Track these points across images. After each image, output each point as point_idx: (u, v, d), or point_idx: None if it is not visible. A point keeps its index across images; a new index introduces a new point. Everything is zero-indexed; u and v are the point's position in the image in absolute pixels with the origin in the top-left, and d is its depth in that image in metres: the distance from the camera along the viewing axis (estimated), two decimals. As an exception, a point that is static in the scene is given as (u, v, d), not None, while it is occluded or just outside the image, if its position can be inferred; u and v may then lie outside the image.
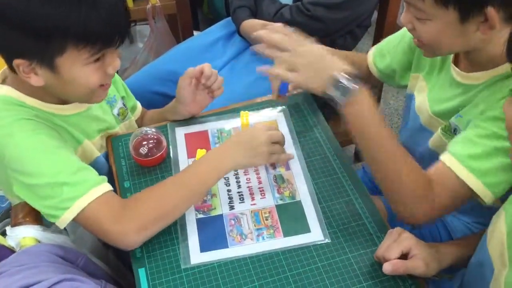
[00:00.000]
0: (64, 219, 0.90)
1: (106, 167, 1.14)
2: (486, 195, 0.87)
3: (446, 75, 1.02)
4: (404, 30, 1.14)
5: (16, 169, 0.91)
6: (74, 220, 0.90)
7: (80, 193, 0.89)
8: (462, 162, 0.88)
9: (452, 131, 0.99)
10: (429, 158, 1.00)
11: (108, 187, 0.93)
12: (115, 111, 1.20)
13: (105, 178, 0.95)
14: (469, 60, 0.96)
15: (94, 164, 1.09)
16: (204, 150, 1.09)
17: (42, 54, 0.87)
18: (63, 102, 1.02)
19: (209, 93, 1.18)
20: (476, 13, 0.83)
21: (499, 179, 0.86)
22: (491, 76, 0.92)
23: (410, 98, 1.16)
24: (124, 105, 1.22)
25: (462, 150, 0.89)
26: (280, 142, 1.05)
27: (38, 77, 0.90)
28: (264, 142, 1.00)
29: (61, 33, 0.84)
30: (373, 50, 1.25)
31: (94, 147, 1.11)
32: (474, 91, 0.95)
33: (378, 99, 1.90)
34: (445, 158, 0.90)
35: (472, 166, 0.87)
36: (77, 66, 0.89)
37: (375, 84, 1.30)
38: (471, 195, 0.89)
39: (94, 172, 0.95)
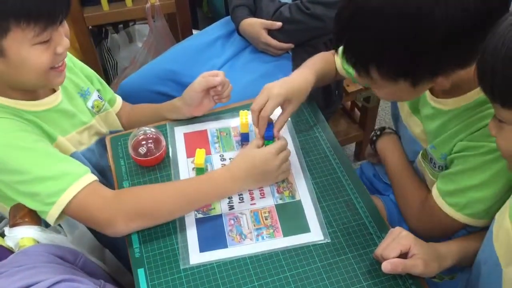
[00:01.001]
0: (52, 215, 0.91)
1: (86, 164, 1.11)
2: (472, 222, 0.93)
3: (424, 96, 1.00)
4: None
5: None
6: (63, 213, 0.91)
7: (65, 185, 0.90)
8: (443, 197, 0.95)
9: (429, 160, 1.00)
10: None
11: (92, 177, 0.94)
12: (89, 104, 1.18)
13: (88, 169, 0.96)
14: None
15: None
16: (203, 150, 1.08)
17: None
18: (31, 97, 1.01)
19: (216, 99, 1.17)
20: (427, 80, 0.82)
21: (478, 209, 0.90)
22: (459, 105, 0.90)
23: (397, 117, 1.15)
24: (99, 97, 1.21)
25: (442, 185, 0.96)
26: (288, 157, 1.06)
27: None
28: (277, 168, 1.02)
29: (0, 11, 0.83)
30: (339, 60, 1.20)
31: (70, 143, 1.09)
32: (445, 118, 0.93)
33: (378, 99, 1.89)
34: (433, 191, 0.98)
35: (450, 201, 0.94)
36: (24, 47, 0.88)
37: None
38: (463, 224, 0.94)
39: (76, 163, 0.96)
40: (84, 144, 1.14)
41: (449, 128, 0.92)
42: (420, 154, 1.03)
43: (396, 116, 1.17)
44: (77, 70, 1.18)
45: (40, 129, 1.01)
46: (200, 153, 1.08)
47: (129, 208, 0.94)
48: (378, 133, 1.24)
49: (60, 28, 0.93)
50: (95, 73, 1.25)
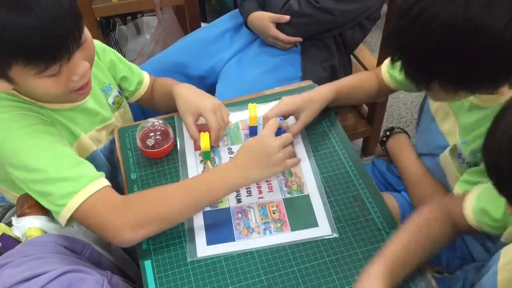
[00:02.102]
0: (63, 216, 0.89)
1: (104, 162, 1.13)
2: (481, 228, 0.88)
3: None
4: None
5: (13, 164, 0.90)
6: (73, 217, 0.89)
7: (77, 188, 0.88)
8: (461, 185, 0.93)
9: (457, 155, 0.98)
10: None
11: (105, 182, 0.92)
12: (110, 100, 1.17)
13: (102, 174, 0.93)
14: None
15: (91, 159, 1.08)
16: (207, 133, 1.06)
17: None
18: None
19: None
20: (490, 90, 0.81)
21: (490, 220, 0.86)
22: (499, 102, 0.86)
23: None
24: (119, 93, 1.20)
25: (467, 175, 0.93)
26: (290, 143, 1.02)
27: (2, 84, 0.87)
28: (276, 151, 0.97)
29: None
30: (385, 66, 1.19)
31: (91, 141, 1.09)
32: (482, 113, 0.91)
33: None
34: (456, 185, 0.95)
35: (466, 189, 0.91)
36: (30, 80, 0.84)
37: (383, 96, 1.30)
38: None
39: (91, 167, 0.93)
40: (101, 142, 1.14)
41: (485, 125, 0.90)
42: (448, 149, 1.00)
43: (424, 108, 1.15)
44: (102, 65, 1.16)
45: (63, 127, 1.01)
46: (204, 136, 1.06)
47: (137, 213, 0.89)
48: (388, 133, 1.25)
49: (74, 57, 0.86)
50: (120, 56, 1.21)
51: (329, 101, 1.15)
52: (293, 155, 1.06)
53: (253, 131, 1.14)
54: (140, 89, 1.25)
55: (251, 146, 0.98)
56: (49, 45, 0.80)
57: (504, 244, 0.80)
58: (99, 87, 1.14)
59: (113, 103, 1.18)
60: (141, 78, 1.25)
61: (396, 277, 0.83)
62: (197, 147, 1.12)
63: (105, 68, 1.17)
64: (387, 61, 1.19)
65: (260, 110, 1.15)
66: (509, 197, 0.61)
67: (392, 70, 1.17)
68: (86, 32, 0.91)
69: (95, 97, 1.11)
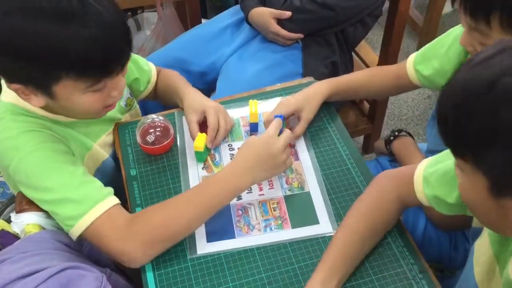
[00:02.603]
0: (73, 234, 0.89)
1: (114, 169, 1.12)
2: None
3: None
4: (453, 35, 1.09)
5: (21, 182, 0.91)
6: (81, 237, 0.89)
7: (83, 211, 0.87)
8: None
9: None
10: None
11: (113, 201, 0.90)
12: (123, 103, 1.16)
13: (111, 191, 0.92)
14: None
15: (103, 168, 1.08)
16: (204, 134, 1.06)
17: (37, 81, 0.84)
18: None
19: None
20: None
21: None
22: None
23: None
24: (130, 94, 1.20)
25: None
26: (292, 141, 1.03)
27: (38, 99, 0.87)
28: (281, 152, 0.95)
29: (52, 63, 0.80)
30: (412, 59, 1.18)
31: (102, 149, 1.08)
32: None
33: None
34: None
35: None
36: (75, 95, 0.85)
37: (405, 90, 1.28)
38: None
39: (98, 185, 0.92)
40: (111, 146, 1.13)
41: None
42: None
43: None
44: None
45: (76, 141, 1.00)
46: (200, 137, 1.05)
47: (142, 236, 0.87)
48: (396, 133, 1.26)
49: (117, 76, 0.88)
50: (134, 57, 1.17)
51: (325, 96, 1.14)
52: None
53: (253, 127, 1.13)
54: (148, 87, 1.24)
55: (257, 147, 0.96)
56: (106, 59, 0.82)
57: (478, 233, 0.79)
58: None
59: (126, 105, 1.18)
60: (149, 76, 1.23)
61: (341, 275, 0.84)
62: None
63: None
64: (412, 57, 1.18)
65: (261, 107, 1.14)
66: (452, 143, 0.62)
67: (420, 65, 1.15)
68: None
69: None
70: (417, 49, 2.44)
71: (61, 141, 0.95)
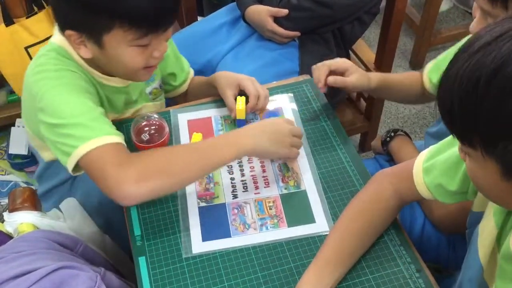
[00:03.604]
0: (70, 161, 0.90)
1: None
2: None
3: None
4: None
5: (41, 108, 0.93)
6: (79, 164, 0.90)
7: (92, 135, 0.89)
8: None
9: None
10: None
11: (120, 139, 0.92)
12: (148, 90, 1.19)
13: (121, 134, 0.94)
14: None
15: None
16: (200, 134, 1.06)
17: (91, 29, 0.91)
18: (108, 73, 1.04)
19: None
20: None
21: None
22: None
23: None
24: (160, 86, 1.22)
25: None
26: (300, 137, 1.05)
27: (86, 50, 0.94)
28: (287, 133, 1.00)
29: (108, 11, 0.87)
30: (429, 66, 1.19)
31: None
32: None
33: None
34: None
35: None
36: (122, 46, 0.92)
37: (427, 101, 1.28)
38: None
39: (113, 127, 0.95)
40: None
41: None
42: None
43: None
44: None
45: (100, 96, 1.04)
46: (196, 137, 1.05)
47: (141, 167, 0.88)
48: (393, 134, 1.25)
49: (162, 34, 0.94)
50: (177, 53, 1.24)
51: (372, 81, 1.15)
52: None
53: (240, 124, 1.12)
54: (182, 87, 1.28)
55: (266, 122, 1.03)
56: (158, 13, 0.89)
57: (478, 217, 0.79)
58: None
59: (150, 93, 1.20)
60: (186, 78, 1.28)
61: (335, 275, 0.83)
62: (233, 118, 1.14)
63: None
64: (430, 64, 1.19)
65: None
66: (460, 134, 0.61)
67: (432, 73, 1.16)
68: None
69: (136, 83, 1.13)
70: (414, 47, 2.45)
71: (92, 84, 1.01)
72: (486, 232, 0.74)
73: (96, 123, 0.92)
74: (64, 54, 0.99)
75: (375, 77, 1.16)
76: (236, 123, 1.13)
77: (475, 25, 0.92)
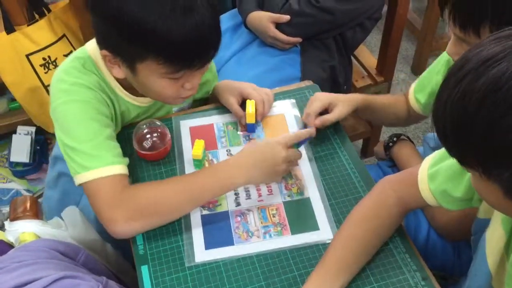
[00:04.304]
0: (76, 180, 0.93)
1: None
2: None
3: None
4: (444, 60, 1.10)
5: (56, 120, 0.97)
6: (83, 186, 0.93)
7: (92, 166, 0.91)
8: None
9: None
10: None
11: (120, 169, 0.93)
12: (175, 109, 1.20)
13: (125, 161, 0.96)
14: None
15: None
16: (202, 141, 1.05)
17: (125, 55, 0.91)
18: (133, 92, 1.05)
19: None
20: None
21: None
22: None
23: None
24: (189, 104, 1.22)
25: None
26: (297, 160, 1.02)
27: (120, 70, 0.95)
28: (284, 160, 0.96)
29: (142, 43, 0.86)
30: (412, 88, 1.20)
31: None
32: None
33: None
34: None
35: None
36: (153, 76, 0.92)
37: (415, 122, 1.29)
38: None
39: (116, 152, 0.96)
40: None
41: None
42: None
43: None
44: None
45: (119, 106, 1.05)
46: (198, 144, 1.04)
47: (130, 206, 0.90)
48: (395, 139, 1.25)
49: (197, 70, 0.93)
50: (215, 73, 1.25)
51: (359, 103, 1.13)
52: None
53: (250, 128, 1.12)
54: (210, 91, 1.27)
55: (262, 149, 0.97)
56: (193, 50, 0.88)
57: (484, 224, 0.78)
58: None
59: (178, 110, 1.21)
60: (209, 88, 1.25)
61: (336, 284, 0.82)
62: (242, 126, 1.14)
63: None
64: (414, 84, 1.20)
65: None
66: (457, 158, 0.61)
67: (418, 93, 1.17)
68: None
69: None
70: (416, 52, 2.44)
71: (105, 103, 1.00)
72: (494, 239, 0.73)
73: (98, 151, 0.93)
74: (91, 66, 1.00)
75: (358, 97, 1.15)
76: (247, 128, 1.12)
77: (451, 48, 0.91)
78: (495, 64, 0.54)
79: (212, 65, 1.24)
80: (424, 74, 1.18)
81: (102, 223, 0.91)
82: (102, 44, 0.93)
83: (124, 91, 1.04)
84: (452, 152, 0.61)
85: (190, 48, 0.87)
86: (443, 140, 0.61)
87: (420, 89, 1.17)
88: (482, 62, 0.55)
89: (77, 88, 0.97)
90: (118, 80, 1.01)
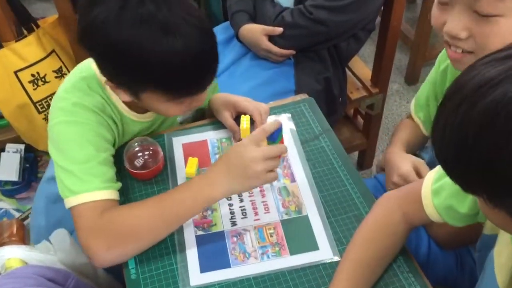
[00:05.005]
0: (65, 204, 0.92)
1: None
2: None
3: None
4: (439, 67, 1.07)
5: (51, 138, 0.96)
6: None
7: (79, 189, 0.90)
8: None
9: None
10: None
11: (106, 195, 0.91)
12: (180, 119, 1.19)
13: (116, 186, 0.94)
14: None
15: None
16: (195, 159, 1.03)
17: (127, 86, 0.90)
18: (136, 109, 1.04)
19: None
20: None
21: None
22: None
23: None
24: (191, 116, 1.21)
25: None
26: (276, 156, 0.91)
27: (125, 95, 0.93)
28: (255, 160, 0.87)
29: (139, 76, 0.86)
30: (412, 107, 1.18)
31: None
32: None
33: (382, 107, 1.83)
34: None
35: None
36: (158, 102, 0.91)
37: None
38: None
39: (109, 177, 0.93)
40: None
41: None
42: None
43: None
44: None
45: (116, 127, 1.03)
46: (192, 162, 1.02)
47: (108, 232, 0.88)
48: None
49: (200, 93, 0.93)
50: (216, 85, 1.23)
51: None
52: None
53: None
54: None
55: (229, 155, 0.91)
56: (191, 80, 0.87)
57: (490, 240, 0.76)
58: None
59: (181, 122, 1.21)
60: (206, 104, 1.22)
61: None
62: (236, 142, 1.10)
63: None
64: (412, 105, 1.19)
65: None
66: (460, 185, 0.59)
67: (417, 112, 1.17)
68: None
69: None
70: (409, 63, 2.44)
71: (107, 126, 0.99)
72: (503, 257, 0.70)
73: (87, 176, 0.91)
74: (96, 87, 0.98)
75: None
76: None
77: (453, 26, 0.83)
78: (490, 90, 0.51)
79: (215, 91, 1.23)
80: (418, 93, 1.17)
81: (83, 249, 0.89)
82: (102, 75, 0.92)
83: (130, 111, 1.03)
84: (454, 179, 0.59)
85: (187, 77, 0.86)
86: (444, 167, 0.58)
87: (418, 108, 1.16)
88: (477, 88, 0.53)
89: (78, 109, 0.95)
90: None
